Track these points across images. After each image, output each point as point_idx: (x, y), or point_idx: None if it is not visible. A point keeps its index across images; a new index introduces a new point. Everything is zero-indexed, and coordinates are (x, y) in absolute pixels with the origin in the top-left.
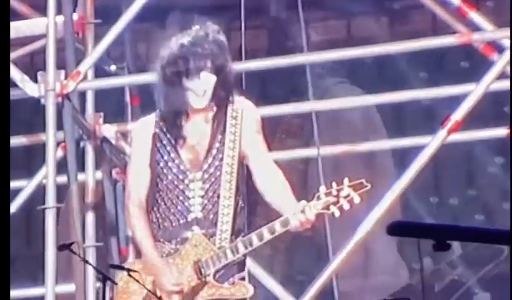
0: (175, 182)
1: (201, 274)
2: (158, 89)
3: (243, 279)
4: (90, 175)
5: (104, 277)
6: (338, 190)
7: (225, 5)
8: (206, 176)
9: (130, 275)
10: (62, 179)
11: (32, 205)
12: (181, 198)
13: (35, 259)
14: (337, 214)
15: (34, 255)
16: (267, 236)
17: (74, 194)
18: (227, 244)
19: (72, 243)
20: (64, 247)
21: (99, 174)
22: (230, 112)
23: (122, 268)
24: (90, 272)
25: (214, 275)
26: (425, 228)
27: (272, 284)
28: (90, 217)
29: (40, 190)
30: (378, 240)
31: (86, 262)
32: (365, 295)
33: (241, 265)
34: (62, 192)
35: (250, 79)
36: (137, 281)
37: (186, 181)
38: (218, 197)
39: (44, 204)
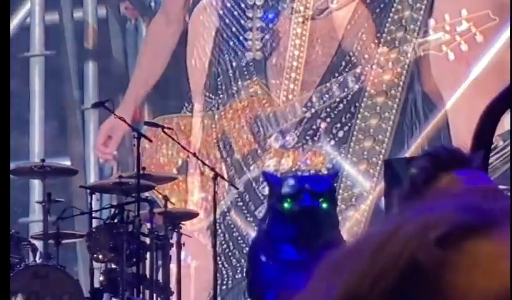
0: None
1: (259, 135)
2: None
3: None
4: (90, 12)
5: (139, 135)
6: (453, 25)
7: None
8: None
9: (165, 132)
10: (52, 17)
11: (14, 52)
12: (234, 30)
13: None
14: (451, 56)
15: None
16: (352, 85)
17: (69, 38)
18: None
19: (107, 100)
20: (98, 104)
21: (102, 11)
22: None
23: (157, 125)
24: (91, 142)
25: (277, 139)
26: None
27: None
28: (90, 68)
29: (24, 33)
30: None
31: (122, 119)
32: None
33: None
34: (52, 34)
35: None
36: (173, 139)
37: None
38: (288, 36)
39: (28, 50)
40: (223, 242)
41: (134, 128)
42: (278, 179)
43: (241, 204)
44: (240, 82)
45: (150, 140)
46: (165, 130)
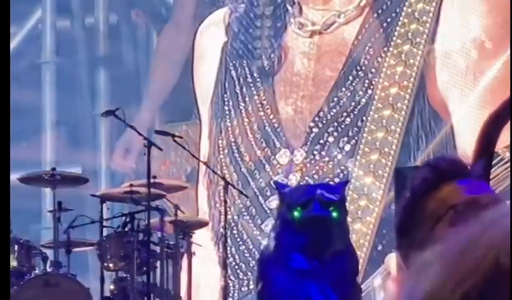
0: None
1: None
2: None
3: None
4: (101, 19)
5: (150, 144)
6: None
7: None
8: None
9: (175, 141)
10: (63, 23)
11: (25, 59)
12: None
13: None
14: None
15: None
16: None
17: (80, 45)
18: None
19: (118, 108)
20: (108, 112)
21: (114, 17)
22: None
23: (167, 133)
24: (102, 150)
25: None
26: None
27: None
28: (102, 74)
29: (35, 39)
30: None
31: (132, 127)
32: None
33: None
34: (63, 41)
35: None
36: (183, 147)
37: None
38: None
39: (39, 57)
40: (229, 255)
41: (144, 137)
42: (288, 188)
43: (247, 217)
44: (247, 95)
45: (161, 149)
46: (176, 138)
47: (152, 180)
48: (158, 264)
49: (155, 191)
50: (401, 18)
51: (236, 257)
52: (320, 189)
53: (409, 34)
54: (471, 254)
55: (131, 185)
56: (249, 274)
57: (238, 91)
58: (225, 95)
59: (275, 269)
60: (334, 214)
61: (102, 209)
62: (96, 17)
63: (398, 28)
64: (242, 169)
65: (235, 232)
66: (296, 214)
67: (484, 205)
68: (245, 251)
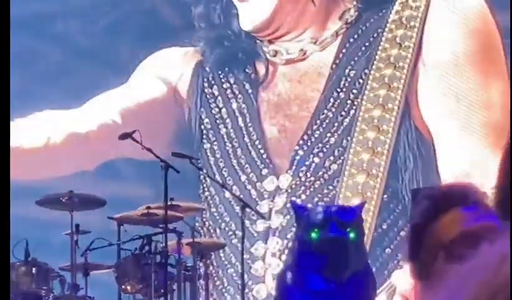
0: None
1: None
2: None
3: None
4: None
5: (166, 166)
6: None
7: None
8: None
9: (192, 163)
10: None
11: None
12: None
13: None
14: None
15: None
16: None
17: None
18: None
19: (134, 131)
20: (126, 135)
21: None
22: None
23: (184, 156)
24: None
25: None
26: None
27: None
28: None
29: None
30: None
31: (149, 150)
32: None
33: None
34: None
35: None
36: (200, 170)
37: None
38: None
39: None
40: (216, 279)
41: (161, 159)
42: (305, 209)
43: (236, 241)
44: (230, 124)
45: (178, 171)
46: (193, 161)
47: (169, 202)
48: (175, 286)
49: (172, 213)
50: (381, 43)
51: (224, 280)
52: (337, 210)
53: (392, 58)
54: (503, 271)
55: (148, 207)
56: (237, 297)
57: (219, 123)
58: (211, 130)
59: (292, 291)
60: (352, 235)
61: (119, 231)
62: None
63: (379, 52)
64: (227, 195)
65: (222, 255)
66: (313, 235)
67: (483, 233)
68: (233, 274)
